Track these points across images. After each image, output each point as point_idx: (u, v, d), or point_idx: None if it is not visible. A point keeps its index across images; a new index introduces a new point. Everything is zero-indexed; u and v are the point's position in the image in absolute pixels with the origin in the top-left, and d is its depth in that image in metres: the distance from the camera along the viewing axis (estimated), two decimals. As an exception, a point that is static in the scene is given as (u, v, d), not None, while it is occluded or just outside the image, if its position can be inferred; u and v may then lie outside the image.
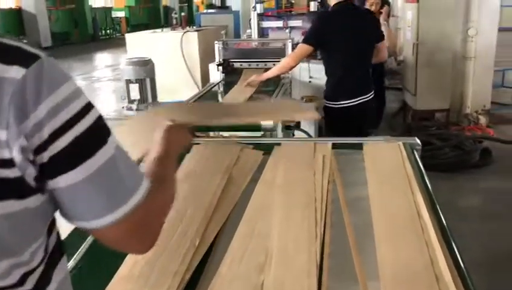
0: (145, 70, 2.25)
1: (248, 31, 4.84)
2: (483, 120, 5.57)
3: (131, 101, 2.20)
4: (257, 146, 2.34)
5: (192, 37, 5.87)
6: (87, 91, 9.29)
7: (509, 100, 6.44)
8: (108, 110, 7.62)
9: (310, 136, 2.57)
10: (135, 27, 22.18)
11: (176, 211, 1.63)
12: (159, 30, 7.22)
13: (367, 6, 4.48)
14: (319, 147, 2.28)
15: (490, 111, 5.75)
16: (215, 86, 3.27)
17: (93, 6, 27.02)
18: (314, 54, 3.38)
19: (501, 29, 5.71)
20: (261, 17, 4.94)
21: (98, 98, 9.17)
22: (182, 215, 1.63)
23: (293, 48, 3.40)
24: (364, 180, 1.91)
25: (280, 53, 3.42)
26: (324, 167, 2.09)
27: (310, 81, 3.44)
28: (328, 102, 3.12)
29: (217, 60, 3.52)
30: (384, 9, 4.83)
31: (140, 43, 6.90)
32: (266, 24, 4.66)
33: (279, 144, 2.34)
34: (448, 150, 4.65)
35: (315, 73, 3.41)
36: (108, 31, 25.35)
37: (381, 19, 4.40)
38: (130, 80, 2.15)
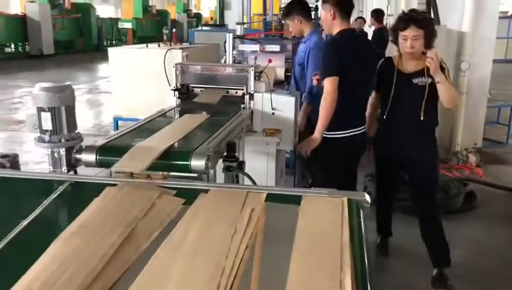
0: (61, 98, 1.96)
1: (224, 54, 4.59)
2: (473, 159, 5.25)
3: (43, 132, 1.92)
4: (181, 191, 2.04)
5: (176, 55, 5.65)
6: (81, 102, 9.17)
7: (503, 138, 6.11)
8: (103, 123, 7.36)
9: (253, 182, 2.27)
10: (141, 39, 22.09)
11: (50, 275, 1.33)
12: (143, 46, 7.01)
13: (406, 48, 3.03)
14: (251, 197, 1.98)
15: (481, 149, 5.43)
16: (165, 112, 2.99)
17: (101, 16, 27.16)
18: (285, 83, 3.17)
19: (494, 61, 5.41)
20: (241, 39, 4.71)
21: (86, 110, 8.93)
22: (55, 280, 1.32)
23: (256, 77, 3.12)
24: (289, 249, 1.60)
25: (243, 81, 3.15)
26: (249, 225, 1.77)
27: (273, 113, 3.14)
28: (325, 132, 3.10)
29: (173, 84, 3.25)
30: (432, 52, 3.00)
31: (123, 59, 6.70)
32: (242, 47, 4.41)
33: (206, 191, 2.04)
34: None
35: (279, 105, 3.12)
36: (113, 41, 25.35)
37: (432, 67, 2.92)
38: (42, 107, 1.86)
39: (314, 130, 3.15)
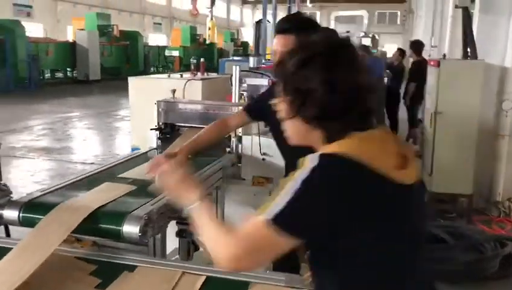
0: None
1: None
2: (516, 211, 4.57)
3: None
4: (104, 266, 1.64)
5: (196, 85, 5.37)
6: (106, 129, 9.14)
7: (555, 188, 5.35)
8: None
9: (208, 255, 1.84)
10: (188, 66, 22.33)
11: None
12: (165, 75, 6.80)
13: None
14: (185, 281, 1.56)
15: (528, 200, 4.73)
16: (134, 157, 2.64)
17: (150, 44, 27.82)
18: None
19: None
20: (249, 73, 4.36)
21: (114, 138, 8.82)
22: None
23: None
24: None
25: (233, 120, 2.76)
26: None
27: (263, 159, 2.73)
28: None
29: (154, 122, 2.91)
30: None
31: (143, 87, 6.51)
32: (249, 81, 4.03)
33: (133, 268, 1.64)
34: (460, 252, 3.71)
35: (268, 149, 2.71)
36: (160, 68, 25.81)
37: None
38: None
39: None
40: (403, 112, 8.11)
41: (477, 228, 4.26)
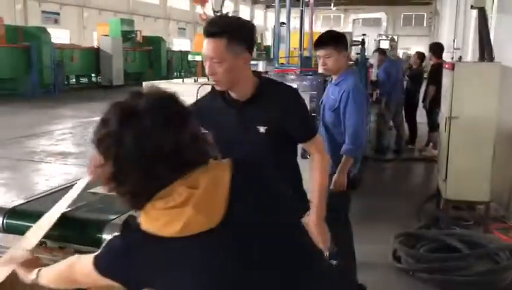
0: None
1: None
2: (537, 220, 4.38)
3: None
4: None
5: (208, 90, 5.35)
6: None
7: None
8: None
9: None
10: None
11: None
12: (179, 80, 6.83)
13: None
14: None
15: (550, 208, 4.54)
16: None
17: (173, 49, 28.06)
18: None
19: None
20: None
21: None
22: None
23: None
24: None
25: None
26: None
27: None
28: None
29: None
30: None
31: (158, 93, 6.56)
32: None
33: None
34: (473, 262, 3.57)
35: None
36: (183, 73, 26.01)
37: None
38: None
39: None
40: (423, 116, 7.94)
41: (492, 236, 4.09)
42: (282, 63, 6.29)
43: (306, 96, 4.36)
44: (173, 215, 1.06)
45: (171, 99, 1.15)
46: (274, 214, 1.17)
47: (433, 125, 7.49)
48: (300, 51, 6.13)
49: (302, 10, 6.80)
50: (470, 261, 3.59)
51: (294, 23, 8.83)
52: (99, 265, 1.18)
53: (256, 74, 2.04)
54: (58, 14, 27.18)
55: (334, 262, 2.61)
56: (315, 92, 4.33)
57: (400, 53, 22.22)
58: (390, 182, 6.76)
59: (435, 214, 4.67)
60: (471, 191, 4.34)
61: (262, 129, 1.95)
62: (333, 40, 2.97)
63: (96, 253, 1.21)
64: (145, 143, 1.06)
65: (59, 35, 23.19)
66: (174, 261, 1.07)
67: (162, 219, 1.07)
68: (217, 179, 1.11)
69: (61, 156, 7.47)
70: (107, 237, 1.67)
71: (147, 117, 1.07)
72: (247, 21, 1.93)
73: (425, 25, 44.36)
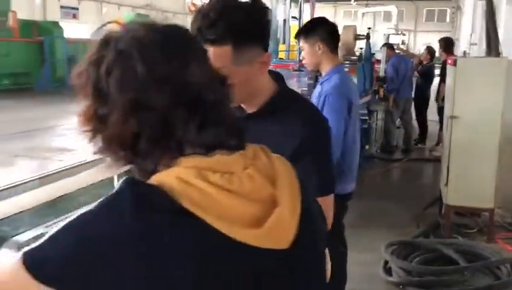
0: None
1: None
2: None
3: None
4: None
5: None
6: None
7: None
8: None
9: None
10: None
11: None
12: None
13: None
14: None
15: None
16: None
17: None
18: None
19: None
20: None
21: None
22: None
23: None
24: None
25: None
26: None
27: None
28: None
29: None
30: None
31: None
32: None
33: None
34: (471, 277, 3.26)
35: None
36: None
37: None
38: None
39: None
40: (435, 114, 7.58)
41: (495, 247, 3.77)
42: (281, 58, 6.01)
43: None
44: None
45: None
46: (319, 247, 0.86)
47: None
48: (299, 44, 5.84)
49: (300, 2, 6.50)
50: (467, 275, 3.28)
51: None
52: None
53: (275, 77, 1.44)
54: (77, 9, 27.33)
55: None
56: (305, 89, 4.03)
57: (422, 49, 21.62)
58: (394, 183, 6.44)
59: (436, 221, 4.35)
60: (475, 197, 4.02)
61: None
62: (304, 31, 2.63)
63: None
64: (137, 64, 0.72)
65: (78, 30, 23.25)
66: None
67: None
68: (293, 183, 0.79)
69: (59, 152, 7.34)
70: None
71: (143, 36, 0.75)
72: (254, 4, 1.29)
73: (448, 20, 43.28)
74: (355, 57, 6.38)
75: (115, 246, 0.66)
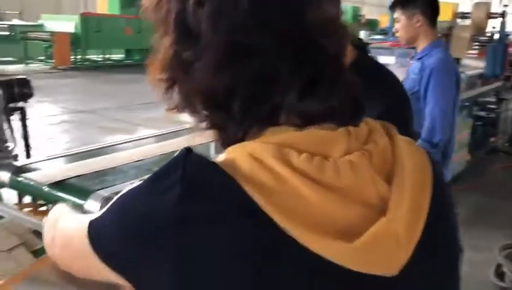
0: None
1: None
2: None
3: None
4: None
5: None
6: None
7: None
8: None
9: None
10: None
11: None
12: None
13: None
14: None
15: None
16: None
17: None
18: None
19: None
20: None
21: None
22: None
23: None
24: None
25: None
26: None
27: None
28: None
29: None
30: None
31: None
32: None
33: None
34: None
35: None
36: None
37: None
38: None
39: None
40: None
41: None
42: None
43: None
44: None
45: None
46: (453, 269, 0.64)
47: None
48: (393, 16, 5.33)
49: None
50: None
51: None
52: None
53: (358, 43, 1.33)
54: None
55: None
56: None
57: None
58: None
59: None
60: None
61: None
62: (401, 0, 2.38)
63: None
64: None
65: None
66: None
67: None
68: (421, 182, 0.58)
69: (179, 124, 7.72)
70: (89, 207, 1.53)
71: None
72: None
73: None
74: (485, 38, 5.75)
75: (155, 229, 0.53)
